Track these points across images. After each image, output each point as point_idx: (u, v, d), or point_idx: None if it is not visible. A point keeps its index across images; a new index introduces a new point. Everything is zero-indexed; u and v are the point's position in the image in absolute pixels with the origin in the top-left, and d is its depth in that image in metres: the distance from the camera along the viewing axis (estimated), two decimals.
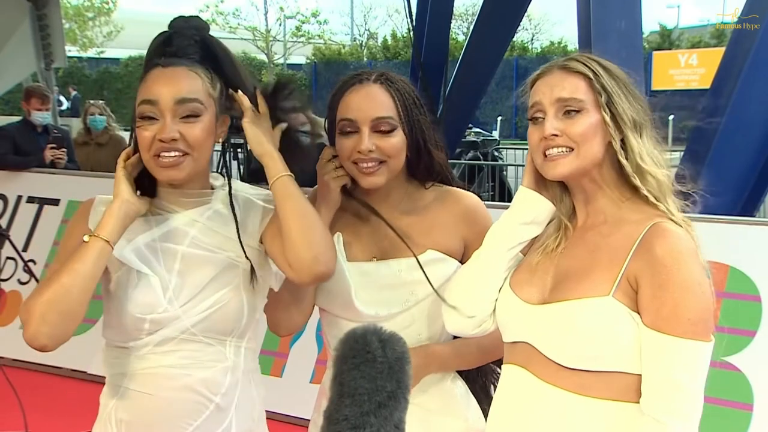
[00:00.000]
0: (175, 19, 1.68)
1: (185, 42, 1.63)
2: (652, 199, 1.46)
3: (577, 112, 1.47)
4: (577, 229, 1.55)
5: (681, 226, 1.44)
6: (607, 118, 1.46)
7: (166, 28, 1.68)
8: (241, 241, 1.64)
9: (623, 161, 1.47)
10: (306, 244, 1.57)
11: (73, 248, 1.56)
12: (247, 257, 1.64)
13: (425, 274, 1.70)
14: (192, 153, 1.60)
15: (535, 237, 1.59)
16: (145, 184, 1.67)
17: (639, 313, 1.40)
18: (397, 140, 1.69)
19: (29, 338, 1.51)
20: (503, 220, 1.60)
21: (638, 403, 1.41)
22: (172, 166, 1.58)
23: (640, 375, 1.41)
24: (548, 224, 1.60)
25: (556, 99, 1.48)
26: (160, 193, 1.68)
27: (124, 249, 1.60)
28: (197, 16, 1.71)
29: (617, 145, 1.47)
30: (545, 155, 1.48)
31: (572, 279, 1.47)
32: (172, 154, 1.58)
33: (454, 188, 1.82)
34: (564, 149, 1.47)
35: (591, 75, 1.48)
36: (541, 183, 1.57)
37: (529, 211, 1.57)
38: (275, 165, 1.62)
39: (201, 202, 1.68)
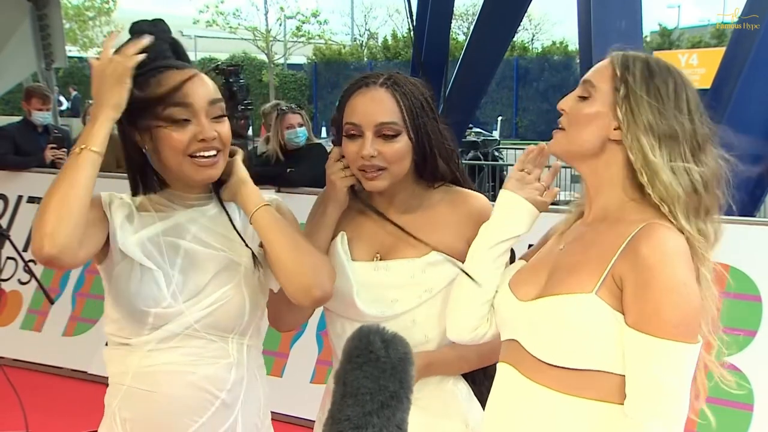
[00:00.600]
0: (142, 22, 1.67)
1: (164, 46, 1.64)
2: (655, 199, 1.42)
3: (586, 98, 1.47)
4: (580, 227, 1.55)
5: (683, 233, 1.40)
6: (620, 113, 1.43)
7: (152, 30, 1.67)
8: (242, 237, 1.66)
9: (631, 156, 1.43)
10: (299, 272, 1.60)
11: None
12: (248, 246, 1.66)
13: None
14: (224, 150, 1.64)
15: (543, 241, 1.62)
16: (146, 181, 1.69)
17: (623, 313, 1.38)
18: (401, 146, 1.69)
19: (36, 250, 1.45)
20: (485, 223, 1.63)
21: (620, 404, 1.38)
22: (210, 165, 1.62)
23: (623, 376, 1.38)
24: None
25: (583, 80, 1.50)
26: (163, 192, 1.69)
27: (128, 241, 1.60)
28: (161, 19, 1.69)
29: (628, 142, 1.43)
30: None
31: (562, 274, 1.46)
32: (212, 152, 1.61)
33: (464, 189, 1.81)
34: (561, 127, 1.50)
35: (620, 68, 1.45)
36: (525, 187, 1.59)
37: (503, 211, 1.60)
38: (256, 194, 1.66)
39: (203, 203, 1.70)
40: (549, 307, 1.44)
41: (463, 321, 1.63)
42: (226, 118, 1.65)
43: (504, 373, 1.54)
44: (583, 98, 1.48)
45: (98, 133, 1.52)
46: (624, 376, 1.39)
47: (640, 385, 1.35)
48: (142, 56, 1.56)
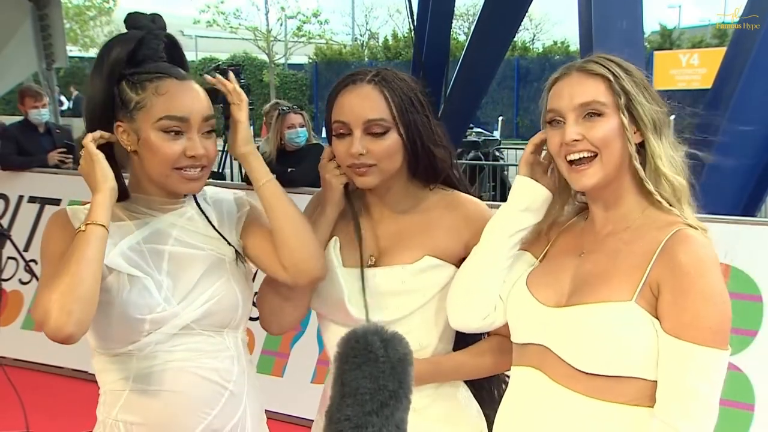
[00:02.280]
0: (138, 15, 1.64)
1: (158, 43, 1.62)
2: (665, 204, 1.44)
3: (599, 115, 1.45)
4: (597, 235, 1.53)
5: (700, 232, 1.42)
6: (626, 121, 1.44)
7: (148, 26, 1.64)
8: (222, 235, 1.67)
9: (637, 165, 1.45)
10: (302, 247, 1.63)
11: (62, 252, 1.51)
12: (230, 245, 1.68)
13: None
14: (209, 165, 1.65)
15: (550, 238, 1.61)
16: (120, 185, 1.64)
17: (658, 320, 1.39)
18: (390, 143, 1.66)
19: (53, 331, 1.43)
20: (501, 210, 1.62)
21: (651, 407, 1.39)
22: (196, 179, 1.63)
23: (655, 381, 1.39)
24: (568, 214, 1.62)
25: (578, 104, 1.46)
26: (134, 198, 1.66)
27: (110, 254, 1.56)
28: (158, 14, 1.67)
29: (632, 149, 1.45)
30: (570, 163, 1.47)
31: (592, 283, 1.46)
32: (198, 169, 1.62)
33: (459, 192, 1.78)
34: (586, 153, 1.46)
35: (611, 77, 1.45)
36: (537, 171, 1.59)
37: (524, 197, 1.58)
38: (262, 166, 1.66)
39: (179, 206, 1.69)
40: (586, 315, 1.43)
41: (475, 308, 1.61)
42: (214, 134, 1.65)
43: (529, 378, 1.52)
44: (589, 117, 1.45)
45: (101, 210, 1.52)
46: (654, 381, 1.39)
47: (674, 390, 1.36)
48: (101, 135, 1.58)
